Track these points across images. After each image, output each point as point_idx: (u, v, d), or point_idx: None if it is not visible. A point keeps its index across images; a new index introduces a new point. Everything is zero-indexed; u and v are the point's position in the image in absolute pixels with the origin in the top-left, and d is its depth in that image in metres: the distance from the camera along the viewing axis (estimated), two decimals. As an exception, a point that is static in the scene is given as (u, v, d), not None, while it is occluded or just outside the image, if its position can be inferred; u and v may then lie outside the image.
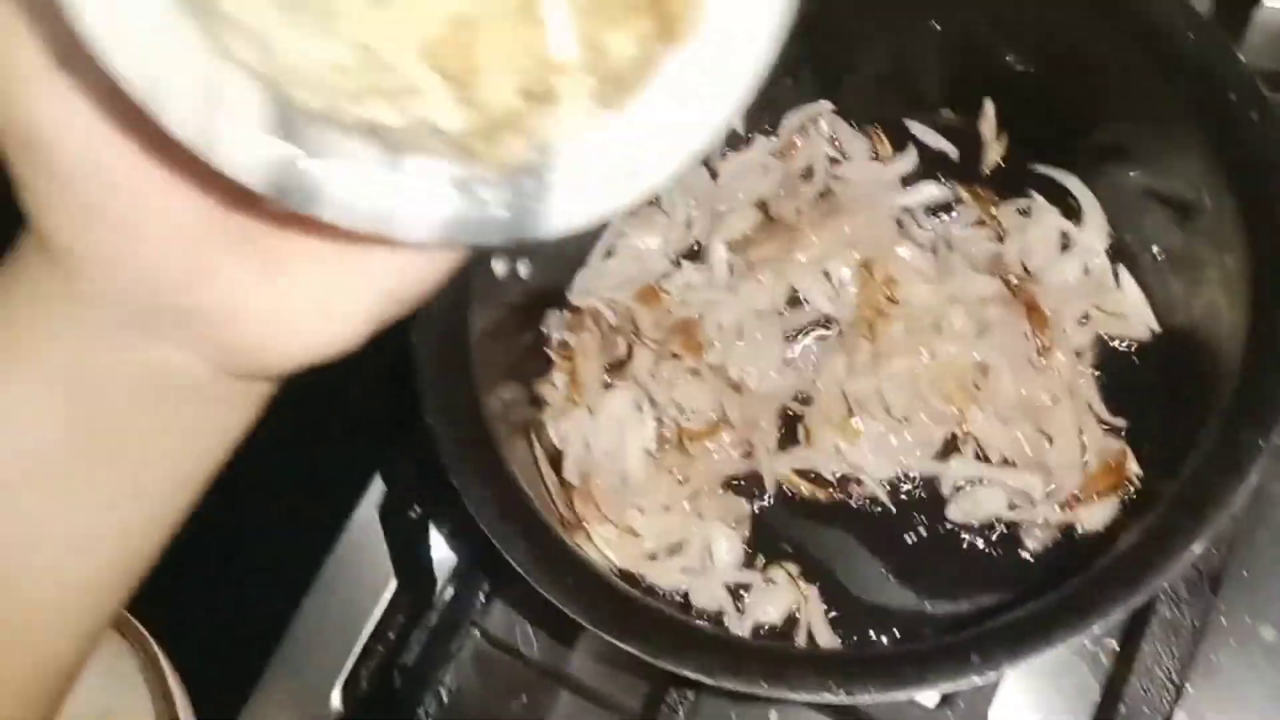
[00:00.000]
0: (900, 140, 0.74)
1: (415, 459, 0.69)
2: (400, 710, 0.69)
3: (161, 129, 0.24)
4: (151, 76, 0.24)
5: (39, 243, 0.29)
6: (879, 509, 0.65)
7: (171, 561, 0.36)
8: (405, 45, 0.25)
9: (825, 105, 0.74)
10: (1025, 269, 0.69)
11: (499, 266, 0.64)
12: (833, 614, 0.63)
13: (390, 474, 0.75)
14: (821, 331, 0.70)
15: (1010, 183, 0.71)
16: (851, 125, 0.75)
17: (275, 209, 0.26)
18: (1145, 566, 0.51)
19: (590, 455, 0.67)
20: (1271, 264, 0.54)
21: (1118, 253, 0.69)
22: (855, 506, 0.66)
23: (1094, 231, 0.69)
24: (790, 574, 0.64)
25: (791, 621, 0.63)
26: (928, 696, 0.58)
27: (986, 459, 0.65)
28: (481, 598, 0.72)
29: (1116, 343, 0.67)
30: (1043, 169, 0.71)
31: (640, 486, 0.66)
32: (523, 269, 0.66)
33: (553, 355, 0.70)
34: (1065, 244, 0.69)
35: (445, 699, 0.71)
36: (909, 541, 0.64)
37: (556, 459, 0.67)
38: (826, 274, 0.71)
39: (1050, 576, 0.60)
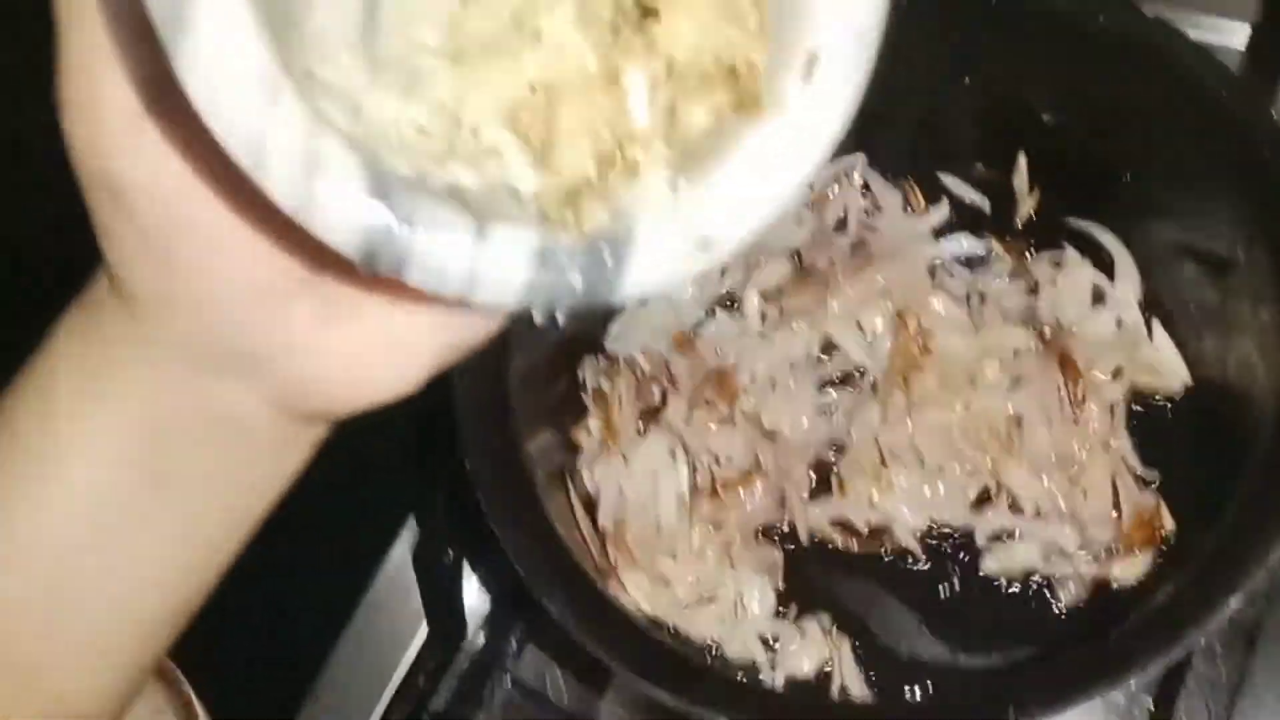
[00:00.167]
0: (933, 193, 0.74)
1: (451, 501, 0.69)
2: (431, 756, 0.69)
3: (258, 190, 0.25)
4: (254, 141, 0.24)
5: (114, 286, 0.30)
6: (912, 560, 0.65)
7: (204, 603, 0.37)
8: (486, 108, 0.26)
9: (859, 157, 0.75)
10: (1058, 321, 0.69)
11: (538, 314, 0.65)
12: (865, 666, 0.63)
13: (425, 516, 0.75)
14: (855, 381, 0.70)
15: (1043, 236, 0.72)
16: (885, 178, 0.75)
17: (363, 271, 0.26)
18: (1181, 621, 0.51)
19: (624, 501, 0.67)
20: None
21: (1151, 306, 0.69)
22: (888, 558, 0.66)
23: (1127, 285, 0.69)
24: (823, 626, 0.64)
25: (824, 673, 0.63)
26: (962, 750, 0.57)
27: (1020, 511, 0.65)
28: (513, 644, 0.72)
29: (1150, 395, 0.67)
30: (1076, 222, 0.71)
31: (673, 534, 0.66)
32: (560, 316, 0.67)
33: (588, 401, 0.71)
34: (1098, 297, 0.70)
35: (475, 745, 0.71)
36: (942, 594, 0.64)
37: (591, 505, 0.68)
38: (860, 324, 0.71)
39: (1085, 631, 0.60)
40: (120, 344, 0.30)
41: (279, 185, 0.25)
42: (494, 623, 0.71)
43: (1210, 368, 0.65)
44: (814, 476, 0.68)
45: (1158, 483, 0.65)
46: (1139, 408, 0.67)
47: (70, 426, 0.31)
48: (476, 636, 0.71)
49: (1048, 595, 0.63)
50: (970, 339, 0.68)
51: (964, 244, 0.73)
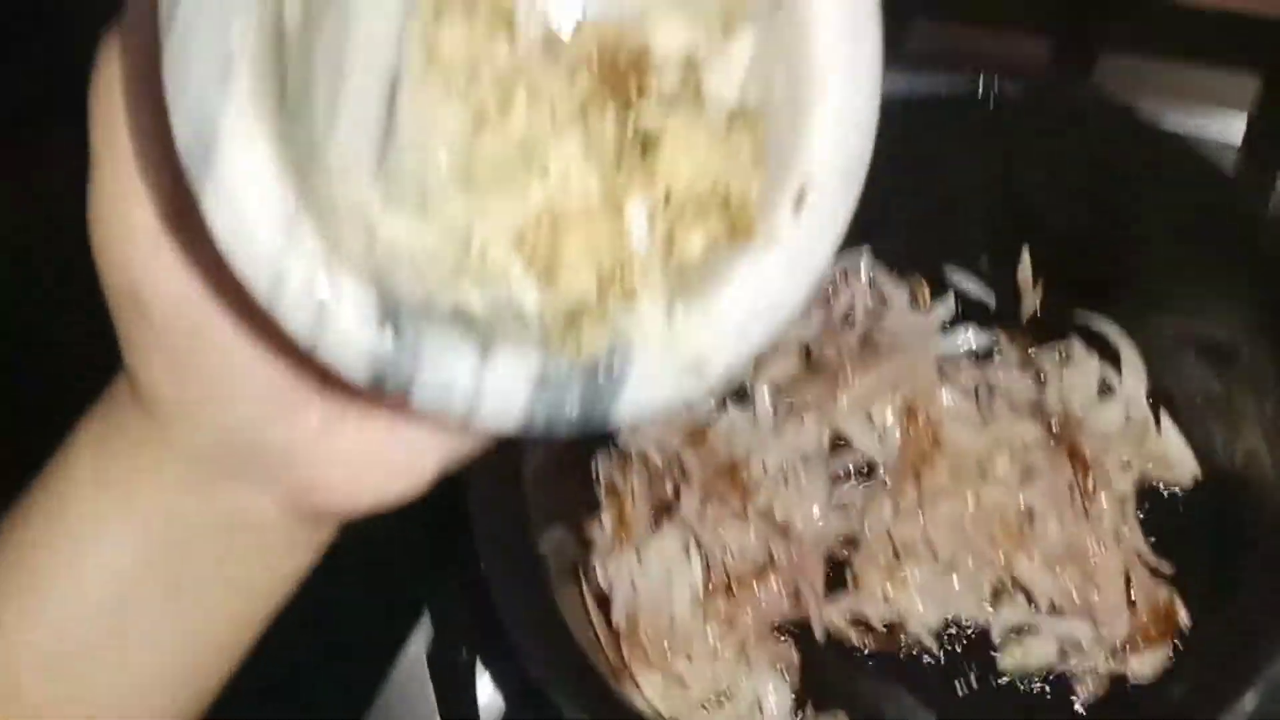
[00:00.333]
0: (939, 286, 0.75)
1: (465, 599, 0.69)
2: None
3: (272, 319, 0.26)
4: (270, 276, 0.26)
5: (134, 391, 0.31)
6: (928, 658, 0.65)
7: (211, 703, 0.37)
8: (494, 230, 0.27)
9: (864, 252, 0.76)
10: (1067, 414, 0.70)
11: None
12: (884, 766, 0.62)
13: (440, 612, 0.75)
14: (866, 474, 0.71)
15: (1049, 329, 0.73)
16: (891, 272, 0.76)
17: (369, 394, 0.27)
18: (1197, 717, 0.51)
19: (637, 598, 0.67)
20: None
21: (1158, 398, 0.69)
22: (904, 655, 0.65)
23: (1134, 379, 0.70)
24: (840, 725, 0.64)
25: (842, 774, 0.62)
26: None
27: (1035, 605, 0.65)
28: (527, 744, 0.71)
29: (1161, 487, 0.67)
30: (1081, 316, 0.72)
31: (688, 631, 0.66)
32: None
33: (601, 496, 0.71)
34: (1105, 389, 0.70)
35: None
36: (959, 690, 0.64)
37: (604, 601, 0.68)
38: (869, 416, 0.72)
39: (1103, 728, 0.59)
40: (138, 446, 0.32)
41: (292, 318, 0.26)
42: (508, 723, 0.71)
43: (1219, 459, 0.66)
44: (829, 572, 0.68)
45: (1171, 575, 0.64)
46: (1149, 500, 0.67)
47: (88, 528, 0.32)
48: (490, 737, 0.71)
49: (1065, 692, 0.63)
50: (979, 432, 0.69)
51: (971, 337, 0.74)
